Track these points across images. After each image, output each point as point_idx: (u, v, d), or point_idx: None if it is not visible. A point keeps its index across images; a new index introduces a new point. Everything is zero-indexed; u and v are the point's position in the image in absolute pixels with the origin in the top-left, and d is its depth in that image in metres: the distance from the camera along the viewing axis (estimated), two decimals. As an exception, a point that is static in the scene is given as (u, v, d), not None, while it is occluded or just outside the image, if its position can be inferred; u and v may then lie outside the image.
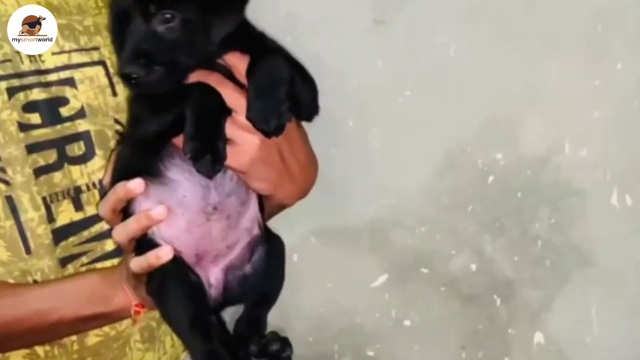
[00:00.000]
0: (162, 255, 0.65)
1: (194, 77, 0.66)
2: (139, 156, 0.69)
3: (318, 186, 0.86)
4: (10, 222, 0.68)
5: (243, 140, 0.66)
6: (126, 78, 0.63)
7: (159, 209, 0.65)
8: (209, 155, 0.62)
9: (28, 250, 0.69)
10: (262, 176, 0.69)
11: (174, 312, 0.68)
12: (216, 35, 0.65)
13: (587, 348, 0.98)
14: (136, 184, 0.66)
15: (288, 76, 0.67)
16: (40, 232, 0.69)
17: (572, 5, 0.87)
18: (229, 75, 0.68)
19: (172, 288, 0.67)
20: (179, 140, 0.65)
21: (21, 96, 0.68)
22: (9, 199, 0.68)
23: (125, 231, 0.67)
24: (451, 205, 0.99)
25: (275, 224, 0.84)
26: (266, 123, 0.64)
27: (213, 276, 0.72)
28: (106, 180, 0.72)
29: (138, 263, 0.67)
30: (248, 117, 0.64)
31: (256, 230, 0.75)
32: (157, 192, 0.68)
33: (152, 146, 0.68)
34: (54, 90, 0.71)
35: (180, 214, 0.68)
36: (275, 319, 0.85)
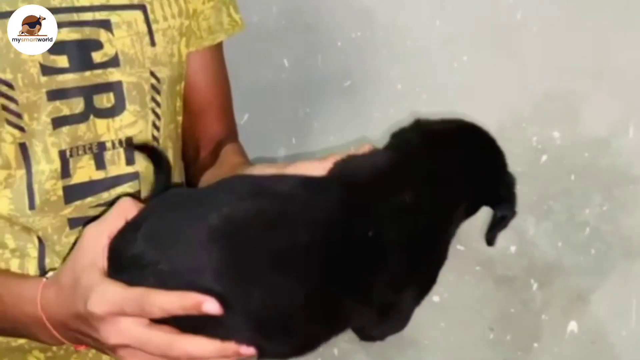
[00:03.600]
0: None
1: None
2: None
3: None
4: (21, 172, 0.62)
5: None
6: None
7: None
8: None
9: (32, 206, 0.63)
10: None
11: None
12: None
13: (621, 341, 0.94)
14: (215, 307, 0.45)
15: None
16: (48, 187, 0.63)
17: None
18: None
19: None
20: None
21: None
22: (23, 147, 0.62)
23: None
24: (496, 182, 0.93)
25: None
26: None
27: None
28: None
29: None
30: None
31: None
32: None
33: None
34: (88, 32, 0.64)
35: None
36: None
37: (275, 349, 0.50)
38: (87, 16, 0.64)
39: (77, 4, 0.63)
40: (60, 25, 0.62)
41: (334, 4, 0.94)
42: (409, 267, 0.52)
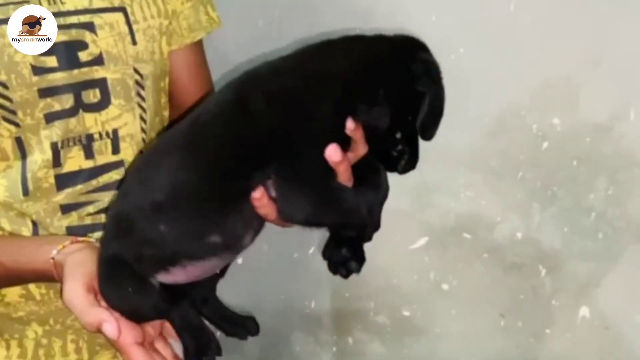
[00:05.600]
0: None
1: None
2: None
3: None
4: (18, 163, 0.68)
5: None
6: None
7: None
8: None
9: (25, 192, 0.69)
10: None
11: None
12: None
13: (635, 326, 0.94)
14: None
15: None
16: (40, 175, 0.69)
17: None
18: None
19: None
20: None
21: None
22: (19, 141, 0.68)
23: None
24: (500, 170, 0.94)
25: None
26: None
27: None
28: None
29: None
30: None
31: None
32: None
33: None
34: (74, 34, 0.69)
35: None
36: (315, 271, 0.84)
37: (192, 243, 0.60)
38: (73, 19, 0.69)
39: (63, 9, 0.68)
40: None
41: (333, 3, 0.97)
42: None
